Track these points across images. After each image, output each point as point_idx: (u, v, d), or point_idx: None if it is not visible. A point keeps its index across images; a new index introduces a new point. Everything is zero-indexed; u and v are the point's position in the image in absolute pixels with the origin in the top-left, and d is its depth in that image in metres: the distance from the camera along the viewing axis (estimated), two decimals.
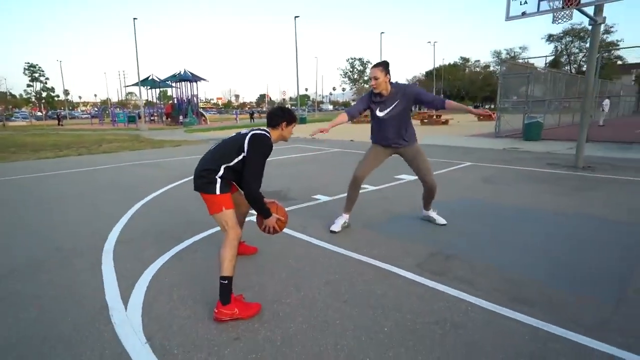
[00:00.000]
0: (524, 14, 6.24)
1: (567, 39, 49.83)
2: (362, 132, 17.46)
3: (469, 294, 2.50)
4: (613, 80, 35.02)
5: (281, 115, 2.61)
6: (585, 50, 50.08)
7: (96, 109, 57.87)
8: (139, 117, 31.23)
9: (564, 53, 50.93)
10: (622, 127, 17.04)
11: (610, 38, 45.31)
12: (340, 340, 2.06)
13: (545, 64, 21.56)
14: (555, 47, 51.27)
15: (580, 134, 7.08)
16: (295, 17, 33.16)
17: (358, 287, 2.65)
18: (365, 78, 67.22)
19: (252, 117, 40.54)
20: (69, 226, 4.18)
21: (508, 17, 6.41)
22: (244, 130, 2.54)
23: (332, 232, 3.70)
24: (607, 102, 19.39)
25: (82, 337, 2.12)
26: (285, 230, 3.86)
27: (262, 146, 2.43)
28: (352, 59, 66.14)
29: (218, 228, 3.90)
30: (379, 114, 3.57)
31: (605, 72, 34.28)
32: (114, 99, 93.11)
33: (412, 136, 3.69)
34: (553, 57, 49.99)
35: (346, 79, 68.57)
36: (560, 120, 18.04)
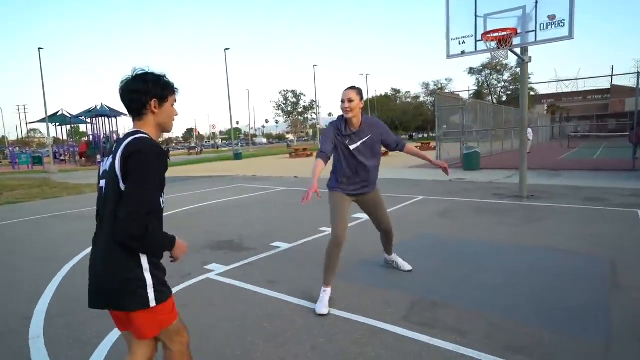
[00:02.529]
0: (463, 53, 6.88)
1: (486, 71, 55.85)
2: (304, 166, 17.63)
3: (465, 346, 2.49)
4: (530, 111, 39.63)
5: (142, 87, 1.55)
6: (503, 82, 56.47)
7: None
8: (47, 158, 28.64)
9: (485, 85, 56.82)
10: (545, 153, 19.14)
11: None
12: None
13: (469, 95, 23.87)
14: (477, 79, 57.17)
15: (521, 164, 7.76)
16: (226, 49, 33.46)
17: (349, 350, 2.53)
18: (300, 110, 69.02)
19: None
20: None
21: (449, 56, 7.02)
22: (114, 148, 1.55)
23: (320, 315, 3.00)
24: (530, 131, 21.74)
25: None
26: (251, 287, 3.66)
27: (143, 156, 1.46)
28: (285, 91, 67.74)
29: (183, 285, 3.52)
30: (351, 146, 3.18)
31: None
32: (12, 137, 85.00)
33: (375, 180, 3.44)
34: (476, 88, 55.54)
35: (279, 111, 69.73)
36: (492, 148, 19.80)
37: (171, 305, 1.64)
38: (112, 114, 31.63)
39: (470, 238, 4.99)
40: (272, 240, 5.23)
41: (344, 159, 3.22)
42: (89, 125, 33.44)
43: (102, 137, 31.50)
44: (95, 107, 31.25)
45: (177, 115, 1.71)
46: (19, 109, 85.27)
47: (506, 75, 55.75)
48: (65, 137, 37.97)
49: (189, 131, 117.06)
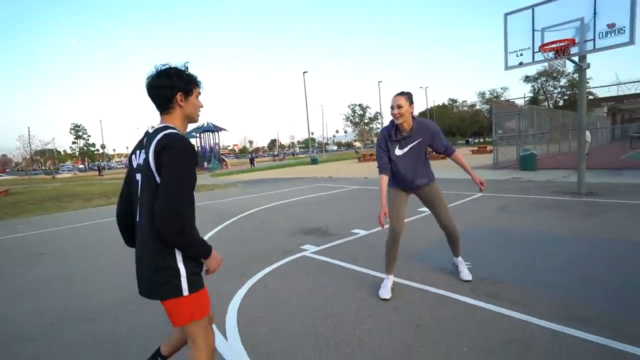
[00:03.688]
0: (521, 64, 6.55)
1: (542, 79, 51.04)
2: (371, 168, 17.69)
3: (528, 315, 2.51)
4: (588, 114, 35.51)
5: (166, 82, 1.46)
6: (559, 88, 51.21)
7: None
8: None
9: (541, 92, 51.97)
10: (604, 154, 17.12)
11: None
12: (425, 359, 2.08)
13: (525, 101, 22.11)
14: (533, 86, 52.50)
15: (579, 163, 7.17)
16: (304, 72, 34.52)
17: (425, 312, 2.68)
18: (366, 121, 68.71)
19: (252, 163, 35.64)
20: None
21: (507, 67, 6.72)
22: (144, 142, 1.49)
23: (383, 299, 2.96)
24: (588, 133, 19.60)
25: None
26: (340, 262, 3.93)
27: (176, 153, 1.37)
28: (353, 104, 68.02)
29: (291, 257, 3.90)
30: (398, 152, 2.97)
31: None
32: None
33: (431, 174, 3.16)
34: (532, 95, 51.03)
35: (348, 123, 70.13)
36: (549, 150, 18.19)
37: (204, 298, 1.50)
38: (215, 129, 34.39)
39: (531, 229, 4.80)
40: (352, 228, 5.48)
41: (394, 163, 3.02)
42: (197, 139, 36.69)
43: (207, 148, 34.33)
44: (203, 124, 34.22)
45: (202, 107, 1.58)
46: (147, 128, 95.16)
47: (563, 81, 50.47)
48: None
49: (273, 141, 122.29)
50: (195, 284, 1.45)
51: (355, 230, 5.31)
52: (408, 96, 2.85)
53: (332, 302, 2.98)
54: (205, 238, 5.45)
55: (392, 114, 2.85)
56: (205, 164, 32.33)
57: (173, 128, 1.45)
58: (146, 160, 1.40)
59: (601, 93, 45.70)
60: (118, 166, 66.37)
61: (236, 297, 3.17)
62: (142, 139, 1.51)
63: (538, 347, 2.14)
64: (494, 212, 6.07)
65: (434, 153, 3.18)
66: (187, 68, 1.53)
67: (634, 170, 10.33)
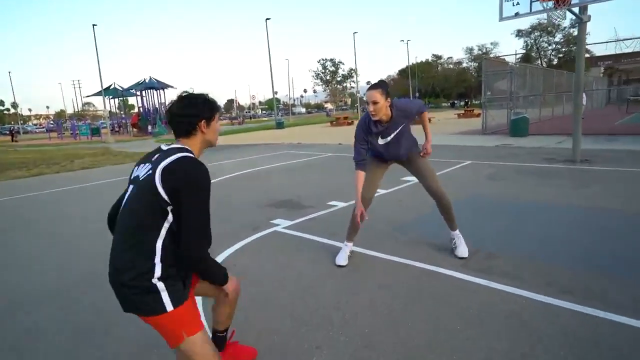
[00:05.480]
0: (517, 14, 6.67)
1: (536, 33, 52.37)
2: (345, 133, 17.76)
3: (521, 288, 2.70)
4: (585, 74, 37.10)
5: (193, 111, 1.60)
6: (554, 45, 52.85)
7: (52, 122, 55.73)
8: (104, 129, 30.43)
9: (534, 48, 53.46)
10: (600, 119, 18.10)
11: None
12: (416, 336, 2.21)
13: (516, 59, 22.66)
14: (525, 41, 53.83)
15: (575, 128, 7.55)
16: (267, 19, 33.32)
17: (413, 288, 2.82)
18: (339, 78, 68.11)
19: None
20: None
21: (501, 18, 6.81)
22: (153, 158, 1.56)
23: (339, 266, 3.26)
24: (584, 95, 20.53)
25: None
26: (316, 238, 4.00)
27: (197, 183, 1.48)
28: (323, 59, 66.84)
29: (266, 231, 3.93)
30: (381, 142, 3.13)
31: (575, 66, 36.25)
32: (69, 111, 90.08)
33: (414, 141, 3.30)
34: (524, 52, 52.39)
35: (318, 81, 69.22)
36: (541, 114, 18.95)
37: (190, 308, 1.53)
38: (160, 86, 32.87)
39: (523, 198, 5.07)
40: (328, 200, 5.55)
41: (378, 149, 3.17)
42: (138, 98, 34.99)
43: (151, 109, 32.93)
44: (144, 80, 32.56)
45: (220, 129, 1.76)
46: (74, 84, 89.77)
47: (558, 37, 52.09)
48: (116, 110, 39.94)
49: (230, 102, 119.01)
50: (177, 293, 1.49)
51: (332, 202, 5.38)
52: (383, 89, 2.89)
53: (309, 280, 3.05)
54: None
55: (369, 111, 2.95)
56: (150, 127, 31.09)
57: (189, 151, 1.57)
58: (151, 177, 1.46)
59: (598, 51, 47.64)
60: (37, 130, 62.03)
61: None
62: (152, 153, 1.60)
63: (531, 320, 2.32)
64: (483, 180, 6.34)
65: (416, 118, 3.28)
66: (209, 95, 1.69)
67: (631, 136, 11.05)
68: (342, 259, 3.32)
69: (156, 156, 1.54)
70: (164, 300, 1.43)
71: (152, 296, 1.43)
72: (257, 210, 5.25)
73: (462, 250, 3.33)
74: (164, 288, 1.44)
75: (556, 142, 10.83)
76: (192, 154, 1.57)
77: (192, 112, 1.59)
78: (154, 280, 1.43)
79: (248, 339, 2.28)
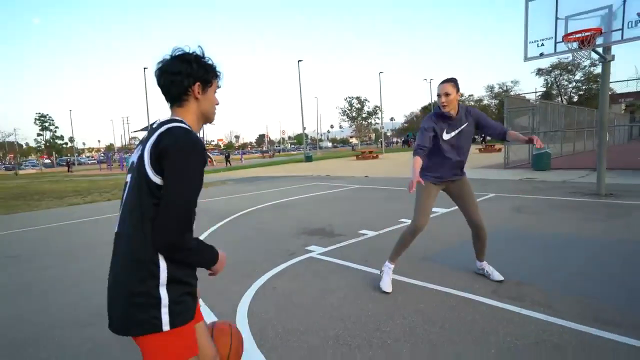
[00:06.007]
0: (542, 55, 6.74)
1: (556, 72, 51.81)
2: (371, 167, 17.88)
3: (554, 316, 2.66)
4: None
5: (186, 69, 1.30)
6: (574, 82, 52.03)
7: (102, 155, 58.83)
8: None
9: (555, 86, 52.76)
10: (623, 154, 17.51)
11: (597, 70, 47.17)
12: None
13: (537, 96, 22.40)
14: (545, 79, 53.27)
15: (599, 163, 7.39)
16: (299, 61, 34.58)
17: (447, 313, 2.81)
18: (364, 115, 68.99)
19: (228, 161, 32.62)
20: None
21: (526, 58, 6.90)
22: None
23: (385, 293, 3.23)
24: None
25: None
26: (351, 264, 4.05)
27: (185, 149, 1.21)
28: (350, 97, 68.12)
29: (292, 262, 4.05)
30: (445, 136, 3.12)
31: (596, 103, 35.48)
32: (118, 144, 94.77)
33: (466, 157, 3.31)
34: (544, 90, 51.73)
35: (344, 117, 70.32)
36: (562, 150, 18.53)
37: (190, 334, 1.28)
38: None
39: (551, 231, 4.97)
40: (359, 228, 5.61)
41: (439, 147, 3.16)
42: None
43: None
44: None
45: (218, 104, 1.45)
46: (123, 120, 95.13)
47: (578, 75, 51.31)
48: None
49: (261, 137, 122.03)
50: (181, 316, 1.24)
51: (363, 231, 5.43)
52: (454, 83, 3.02)
53: (347, 303, 3.10)
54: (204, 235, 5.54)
55: (440, 102, 3.03)
56: None
57: (182, 122, 1.29)
58: (140, 157, 1.24)
59: (619, 88, 46.58)
60: (89, 162, 65.67)
61: (243, 300, 3.27)
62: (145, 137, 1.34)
63: (566, 349, 2.28)
64: (510, 212, 6.25)
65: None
66: (208, 57, 1.39)
67: None
68: (386, 285, 3.27)
69: (147, 135, 1.30)
70: (163, 318, 1.20)
71: (153, 311, 1.19)
72: (291, 237, 5.36)
73: (497, 274, 3.38)
74: (167, 304, 1.20)
75: (579, 176, 10.55)
76: (184, 123, 1.30)
77: (184, 69, 1.29)
78: (157, 290, 1.20)
79: (290, 353, 2.33)
